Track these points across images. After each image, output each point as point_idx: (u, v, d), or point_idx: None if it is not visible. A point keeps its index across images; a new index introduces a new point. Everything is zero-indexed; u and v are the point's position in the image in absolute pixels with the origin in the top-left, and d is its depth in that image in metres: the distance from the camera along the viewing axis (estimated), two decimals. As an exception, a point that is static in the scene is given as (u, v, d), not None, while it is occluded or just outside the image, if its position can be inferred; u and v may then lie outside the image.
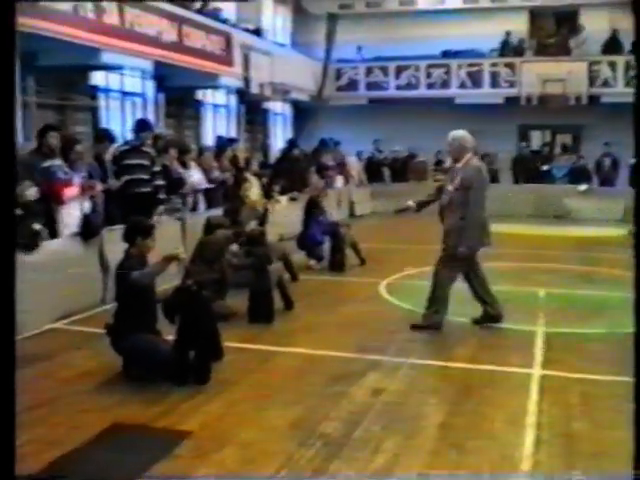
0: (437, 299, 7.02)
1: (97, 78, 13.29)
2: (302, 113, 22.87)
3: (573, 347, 6.48)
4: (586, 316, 7.62)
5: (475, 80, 21.28)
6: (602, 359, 6.16)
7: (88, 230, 7.82)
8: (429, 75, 21.60)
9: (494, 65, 21.34)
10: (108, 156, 8.90)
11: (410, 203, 7.50)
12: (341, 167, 17.89)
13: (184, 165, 10.38)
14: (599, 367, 5.90)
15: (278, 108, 21.98)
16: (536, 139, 21.97)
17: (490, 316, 7.13)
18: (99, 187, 8.36)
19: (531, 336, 6.80)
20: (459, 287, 8.78)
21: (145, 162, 9.05)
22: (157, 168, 9.28)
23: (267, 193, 12.39)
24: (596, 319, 7.49)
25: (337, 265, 10.10)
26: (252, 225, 9.17)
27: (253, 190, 10.74)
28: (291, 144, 16.38)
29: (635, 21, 4.09)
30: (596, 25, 21.09)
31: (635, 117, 3.69)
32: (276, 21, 22.28)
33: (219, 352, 5.66)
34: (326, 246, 10.50)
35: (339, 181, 17.35)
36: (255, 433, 4.50)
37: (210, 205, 10.93)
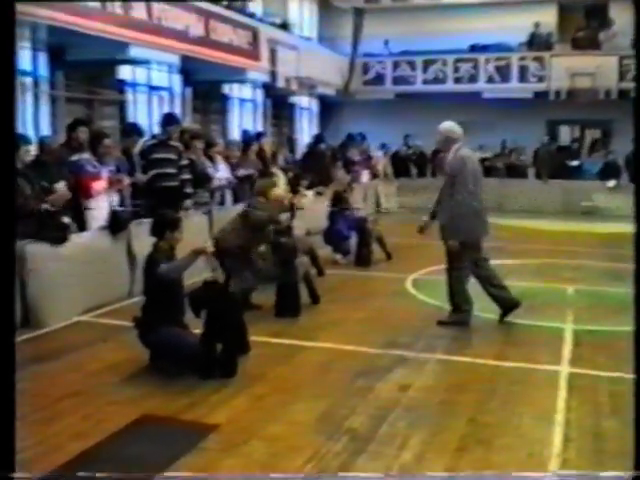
0: (456, 297, 7.03)
1: (125, 72, 13.36)
2: (328, 108, 22.84)
3: (602, 345, 6.42)
4: (615, 313, 7.52)
5: (503, 74, 21.09)
6: (630, 357, 6.07)
7: (116, 224, 7.88)
8: (457, 69, 21.44)
9: (522, 59, 21.12)
10: (136, 150, 8.95)
11: (424, 219, 7.42)
12: (367, 162, 17.84)
13: (211, 159, 10.40)
14: (627, 365, 5.82)
15: (304, 102, 21.97)
16: (565, 134, 21.73)
17: (505, 306, 7.07)
18: (127, 181, 8.41)
19: (559, 333, 6.75)
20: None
21: (172, 156, 9.08)
22: (184, 162, 9.32)
23: (293, 187, 12.37)
24: (625, 317, 7.34)
25: (363, 260, 10.09)
26: (281, 219, 9.18)
27: (280, 184, 10.74)
28: (318, 139, 16.34)
29: (635, 21, 4.03)
30: (626, 19, 20.78)
31: (635, 116, 3.63)
32: (303, 15, 22.27)
33: (246, 346, 5.68)
34: (352, 241, 10.49)
35: (365, 176, 17.30)
36: (281, 427, 4.51)
37: (237, 199, 10.95)
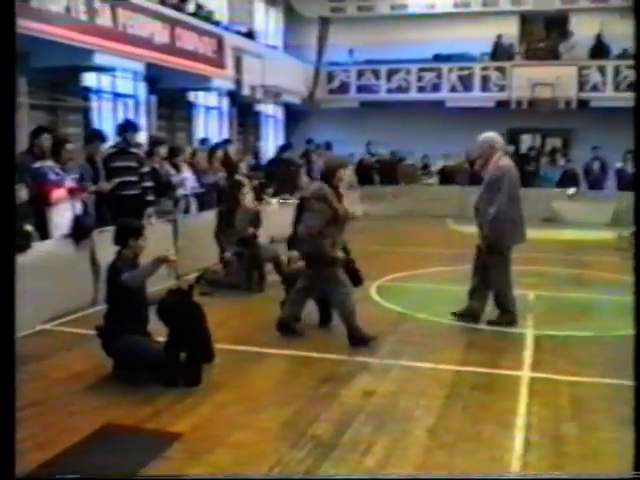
0: (501, 299, 7.25)
1: (89, 79, 13.27)
2: (294, 116, 22.91)
3: (562, 350, 6.53)
4: (575, 319, 7.67)
5: (466, 84, 21.37)
6: (591, 362, 6.22)
7: (79, 232, 7.82)
8: (420, 79, 21.67)
9: (485, 69, 21.43)
10: (99, 157, 8.90)
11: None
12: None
13: (176, 167, 10.38)
14: (588, 370, 5.95)
15: (270, 110, 22.01)
16: (526, 143, 22.06)
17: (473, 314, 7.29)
18: (90, 189, 8.36)
19: (521, 338, 6.86)
20: (451, 289, 8.89)
21: (132, 164, 9.05)
22: (145, 169, 9.28)
23: (259, 195, 12.40)
24: (585, 322, 7.54)
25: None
26: (248, 228, 9.21)
27: (248, 193, 10.75)
28: (284, 148, 16.39)
29: (635, 21, 4.12)
30: (585, 30, 21.23)
31: (635, 118, 3.69)
32: (268, 24, 22.32)
33: (210, 354, 5.68)
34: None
35: (330, 184, 17.32)
36: (246, 434, 4.52)
37: (202, 207, 10.94)
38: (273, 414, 4.85)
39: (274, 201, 13.06)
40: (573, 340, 6.83)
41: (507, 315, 7.24)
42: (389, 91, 21.84)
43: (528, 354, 6.36)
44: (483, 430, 4.65)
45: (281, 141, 17.59)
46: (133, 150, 9.21)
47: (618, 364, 6.15)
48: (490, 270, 7.21)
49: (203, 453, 4.22)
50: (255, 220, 9.43)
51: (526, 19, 22.76)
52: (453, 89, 21.43)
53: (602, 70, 20.69)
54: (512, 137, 21.31)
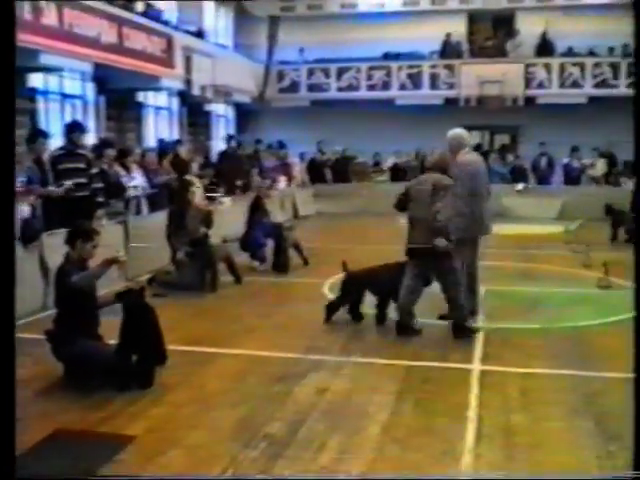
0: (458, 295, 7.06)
1: (36, 80, 13.05)
2: (245, 115, 22.87)
3: (512, 342, 6.64)
4: (524, 312, 7.81)
5: (415, 82, 21.61)
6: (539, 353, 6.35)
7: (27, 235, 7.70)
8: (370, 77, 21.84)
9: (434, 67, 21.70)
10: (47, 158, 8.76)
11: None
12: (284, 168, 17.93)
13: (125, 168, 10.28)
14: (537, 361, 6.08)
15: (220, 110, 21.93)
16: (476, 139, 22.34)
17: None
18: (38, 191, 8.23)
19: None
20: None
21: (81, 165, 8.93)
22: (95, 171, 9.18)
23: (210, 195, 12.36)
24: (534, 314, 7.68)
25: (280, 266, 10.14)
26: (199, 229, 9.18)
27: (197, 193, 10.71)
28: (230, 138, 16.36)
29: (635, 21, 4.20)
30: (531, 29, 21.62)
31: (635, 117, 3.77)
32: (218, 23, 22.22)
33: (163, 355, 5.64)
34: (269, 247, 10.52)
35: (282, 182, 17.38)
36: (200, 435, 4.51)
37: (153, 208, 10.86)
38: (227, 414, 4.85)
39: (226, 200, 13.02)
40: (522, 333, 6.95)
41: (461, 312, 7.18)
42: (339, 90, 21.98)
43: (478, 347, 6.46)
44: (435, 424, 4.72)
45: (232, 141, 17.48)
46: (81, 151, 9.09)
47: (566, 355, 6.32)
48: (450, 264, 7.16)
49: (157, 455, 4.21)
50: (207, 220, 9.40)
51: (474, 18, 23.09)
52: (403, 87, 21.65)
53: (548, 67, 21.13)
54: (462, 134, 21.59)
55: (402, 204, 7.00)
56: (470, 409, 4.96)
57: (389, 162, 20.37)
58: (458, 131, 7.57)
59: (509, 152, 19.96)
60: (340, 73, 22.01)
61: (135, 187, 10.41)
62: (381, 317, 7.22)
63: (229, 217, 11.91)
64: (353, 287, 7.26)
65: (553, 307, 8.03)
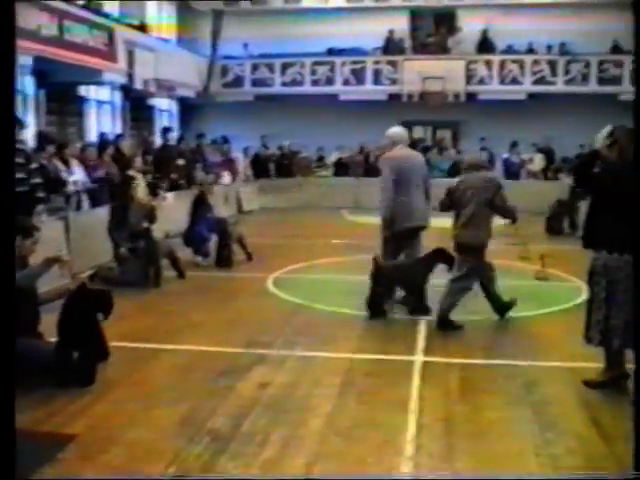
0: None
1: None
2: (189, 109, 22.67)
3: (453, 334, 6.76)
4: (465, 304, 7.89)
5: (359, 77, 21.72)
6: (479, 345, 6.49)
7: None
8: (314, 72, 21.87)
9: (377, 63, 21.84)
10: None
11: None
12: (228, 163, 17.86)
13: (65, 163, 10.10)
14: (476, 352, 6.20)
15: (164, 104, 21.70)
16: (419, 134, 22.60)
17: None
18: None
19: (413, 325, 7.05)
20: (347, 278, 9.07)
21: (20, 160, 8.72)
22: (34, 165, 8.99)
23: (153, 190, 12.23)
24: (474, 306, 7.78)
25: (224, 261, 10.11)
26: (142, 224, 9.09)
27: (140, 188, 10.58)
28: (166, 132, 16.21)
29: (635, 21, 4.27)
30: (472, 26, 21.93)
31: (635, 116, 3.84)
32: (161, 17, 21.94)
33: (104, 352, 5.58)
34: (213, 242, 10.48)
35: (226, 177, 17.31)
36: (142, 432, 4.48)
37: (95, 204, 10.70)
38: (169, 410, 4.83)
39: (169, 196, 12.90)
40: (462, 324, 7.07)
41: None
42: (284, 84, 21.97)
43: (420, 339, 6.55)
44: (377, 415, 4.78)
45: (176, 135, 17.32)
46: (20, 146, 8.89)
47: (505, 346, 6.47)
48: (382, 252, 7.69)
49: (98, 453, 4.16)
50: (149, 215, 9.31)
51: (416, 14, 23.29)
52: (346, 82, 21.75)
53: (488, 64, 21.47)
54: (405, 129, 21.78)
55: (447, 205, 7.28)
56: (412, 400, 5.02)
57: (333, 157, 20.48)
58: (393, 129, 8.02)
59: (444, 147, 20.29)
60: (284, 68, 21.99)
61: (75, 182, 10.24)
62: (411, 309, 7.44)
63: (172, 212, 11.81)
64: (383, 281, 7.29)
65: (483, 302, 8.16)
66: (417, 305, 7.41)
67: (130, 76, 16.65)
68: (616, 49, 21.27)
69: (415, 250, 7.77)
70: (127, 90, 17.69)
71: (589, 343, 5.26)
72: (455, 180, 7.73)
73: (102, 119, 17.95)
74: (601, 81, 21.05)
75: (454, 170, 19.09)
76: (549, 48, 21.52)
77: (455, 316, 7.10)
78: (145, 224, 9.13)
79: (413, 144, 19.21)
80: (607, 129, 5.20)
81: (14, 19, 3.43)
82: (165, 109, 22.02)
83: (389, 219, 7.52)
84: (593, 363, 5.40)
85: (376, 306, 7.24)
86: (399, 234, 7.62)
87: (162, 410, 4.85)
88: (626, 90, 20.72)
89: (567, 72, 21.23)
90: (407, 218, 7.57)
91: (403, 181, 7.55)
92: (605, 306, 5.08)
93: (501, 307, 7.20)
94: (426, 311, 7.31)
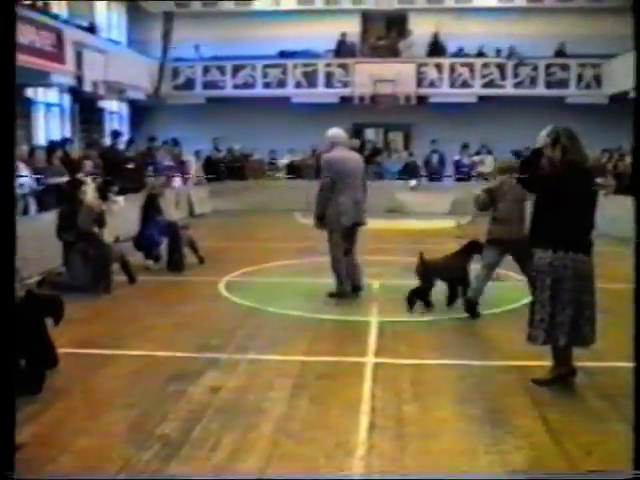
0: (334, 265, 8.13)
1: None
2: (140, 112, 22.46)
3: (404, 335, 6.81)
4: (417, 305, 8.00)
5: (311, 80, 21.79)
6: (430, 345, 6.54)
7: None
8: (266, 75, 21.87)
9: (328, 65, 21.94)
10: None
11: None
12: (180, 166, 17.74)
13: (11, 166, 9.90)
14: (428, 352, 6.26)
15: (114, 107, 21.45)
16: (370, 137, 22.76)
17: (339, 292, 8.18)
18: None
19: (365, 326, 7.09)
20: (299, 281, 9.09)
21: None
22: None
23: (103, 194, 12.07)
24: (426, 307, 7.88)
25: (175, 265, 10.03)
26: (92, 228, 8.96)
27: (89, 192, 10.43)
28: (115, 136, 16.02)
29: (635, 21, 4.29)
30: (423, 29, 22.16)
31: (635, 116, 3.85)
32: (111, 18, 21.70)
33: (52, 359, 5.49)
34: (164, 246, 10.39)
35: (178, 180, 17.18)
36: (92, 440, 4.41)
37: (42, 208, 10.52)
38: (119, 417, 4.77)
39: (119, 199, 12.75)
40: (414, 325, 7.15)
41: (341, 286, 8.13)
42: (235, 87, 21.92)
43: (372, 341, 6.58)
44: (329, 417, 4.78)
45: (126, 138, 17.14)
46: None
47: (455, 345, 6.53)
48: (329, 247, 8.18)
49: (45, 463, 4.08)
50: (99, 220, 9.18)
51: (367, 17, 23.46)
52: (298, 85, 21.80)
53: (439, 67, 21.72)
54: (357, 132, 21.94)
55: (488, 203, 7.55)
56: (363, 402, 5.04)
57: (285, 160, 20.48)
58: (333, 131, 8.31)
59: (396, 149, 20.52)
60: (236, 71, 21.95)
61: (22, 186, 10.05)
62: (451, 301, 7.83)
63: (122, 216, 11.68)
64: (427, 274, 7.68)
65: (444, 299, 8.26)
66: (464, 293, 7.71)
67: (79, 78, 16.42)
68: (560, 53, 21.71)
69: (352, 246, 8.32)
70: (76, 92, 17.43)
71: (533, 342, 5.33)
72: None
73: (50, 122, 17.65)
74: (549, 84, 21.46)
75: (406, 172, 19.30)
76: (498, 52, 21.86)
77: (405, 317, 7.18)
78: (94, 228, 9.00)
79: (361, 146, 19.45)
80: (548, 128, 5.30)
81: (14, 19, 3.37)
82: (115, 111, 21.76)
83: (321, 217, 8.09)
84: (542, 361, 5.48)
85: (424, 299, 7.70)
86: (338, 231, 8.06)
87: (112, 417, 4.78)
88: (572, 93, 21.20)
89: (516, 75, 21.60)
90: (346, 217, 8.01)
91: (342, 181, 7.94)
92: (550, 304, 5.17)
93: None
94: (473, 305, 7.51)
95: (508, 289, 8.73)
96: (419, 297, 7.68)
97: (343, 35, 22.36)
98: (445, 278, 7.86)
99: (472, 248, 7.72)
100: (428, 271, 7.69)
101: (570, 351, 5.32)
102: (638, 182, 4.76)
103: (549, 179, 5.26)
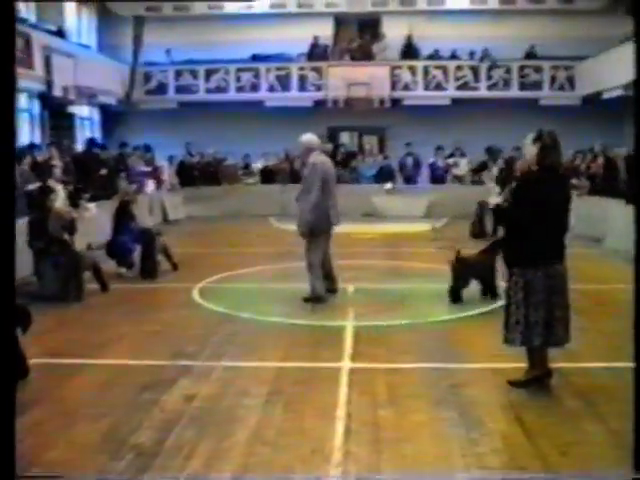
0: (311, 270, 8.14)
1: None
2: (111, 117, 22.23)
3: (380, 339, 6.78)
4: (392, 308, 8.01)
5: (284, 84, 21.72)
6: (406, 349, 6.52)
7: None
8: (239, 79, 21.76)
9: (302, 69, 21.88)
10: None
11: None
12: (153, 172, 17.61)
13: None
14: (404, 356, 6.24)
15: (85, 112, 21.22)
16: (345, 140, 22.79)
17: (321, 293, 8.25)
18: None
19: (341, 331, 7.04)
20: (274, 287, 9.05)
21: None
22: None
23: (74, 201, 11.95)
24: (402, 311, 7.89)
25: (149, 272, 9.92)
26: (62, 235, 8.84)
27: (59, 199, 10.30)
28: (90, 144, 15.87)
29: (635, 21, 4.29)
30: (396, 32, 22.20)
31: (636, 116, 3.85)
32: (80, 22, 21.47)
33: (23, 370, 5.39)
34: (137, 253, 10.28)
35: (151, 186, 17.05)
36: (63, 451, 4.33)
37: (11, 215, 10.34)
38: (92, 427, 4.69)
39: (92, 206, 12.61)
40: (390, 329, 7.12)
41: (317, 290, 8.17)
42: (208, 91, 21.78)
43: (348, 346, 6.55)
44: (305, 423, 4.74)
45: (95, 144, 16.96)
46: None
47: (431, 349, 6.52)
48: (306, 251, 8.17)
49: (14, 476, 3.99)
50: (69, 227, 9.06)
51: (340, 21, 23.44)
52: (272, 89, 21.72)
53: (413, 70, 21.75)
54: (331, 135, 21.94)
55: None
56: (339, 407, 5.01)
57: (259, 164, 20.41)
58: (308, 136, 8.40)
59: (370, 153, 20.59)
60: (208, 75, 21.81)
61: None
62: (485, 294, 8.25)
63: (95, 223, 11.55)
64: (461, 271, 8.11)
65: (420, 303, 8.29)
66: (491, 291, 8.19)
67: (48, 83, 16.23)
68: (531, 55, 21.89)
69: (328, 249, 8.47)
70: (46, 98, 17.22)
71: (510, 344, 5.35)
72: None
73: (20, 128, 17.40)
74: (522, 86, 21.60)
75: (381, 175, 19.31)
76: (472, 54, 21.96)
77: (380, 321, 7.17)
78: (65, 236, 8.88)
79: (334, 150, 19.49)
80: (532, 135, 5.28)
81: (14, 19, 3.31)
82: (86, 117, 21.53)
83: (314, 221, 8.03)
84: (518, 363, 5.48)
85: (456, 294, 8.08)
86: (320, 235, 8.16)
87: (84, 427, 4.71)
88: (546, 95, 21.38)
89: (489, 77, 21.71)
90: (329, 219, 8.18)
91: (326, 185, 8.08)
92: (524, 305, 5.19)
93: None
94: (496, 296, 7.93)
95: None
96: (451, 293, 8.07)
97: (316, 38, 22.33)
98: (477, 276, 8.23)
99: (496, 247, 7.94)
100: (464, 269, 8.10)
101: (545, 352, 5.34)
102: (639, 187, 4.76)
103: (528, 192, 5.25)
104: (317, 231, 8.14)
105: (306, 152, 8.31)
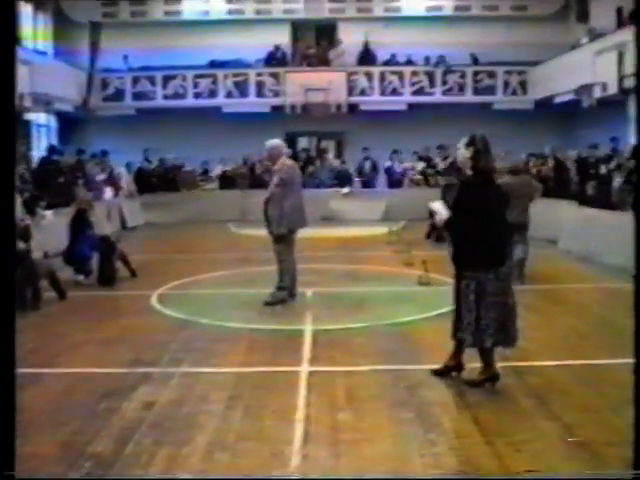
0: (281, 273, 8.33)
1: None
2: (69, 124, 22.00)
3: (339, 342, 6.82)
4: (350, 312, 8.06)
5: (242, 90, 21.75)
6: (365, 351, 6.57)
7: None
8: (196, 85, 21.75)
9: (259, 75, 21.94)
10: None
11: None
12: (110, 178, 17.47)
13: None
14: (362, 359, 6.29)
15: (42, 119, 20.97)
16: (303, 145, 22.85)
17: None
18: None
19: (299, 335, 7.08)
20: (233, 292, 9.05)
21: None
22: None
23: (30, 208, 11.81)
24: (360, 314, 7.95)
25: (107, 279, 9.85)
26: (17, 244, 8.72)
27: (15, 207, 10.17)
28: (50, 151, 15.69)
29: (635, 21, 4.37)
30: (353, 38, 22.37)
31: (636, 115, 3.94)
32: (36, 28, 21.18)
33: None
34: (94, 260, 10.20)
35: (108, 193, 16.91)
36: (20, 462, 4.26)
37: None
38: (48, 437, 4.64)
39: (48, 214, 12.47)
40: (348, 332, 7.16)
41: (282, 292, 8.35)
42: (165, 98, 21.73)
43: (307, 349, 6.58)
44: (264, 428, 4.76)
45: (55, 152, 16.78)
46: None
47: (389, 351, 6.59)
48: (278, 255, 8.38)
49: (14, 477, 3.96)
50: (24, 235, 8.95)
51: (297, 27, 23.55)
52: (229, 95, 21.74)
53: (369, 76, 21.96)
54: (290, 140, 21.99)
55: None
56: (298, 411, 5.04)
57: (217, 170, 20.38)
58: (276, 141, 8.66)
59: (333, 157, 20.67)
60: (166, 81, 21.75)
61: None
62: None
63: (52, 230, 11.42)
64: None
65: (377, 306, 8.36)
66: None
67: (2, 90, 16.00)
68: (475, 62, 22.29)
69: (294, 248, 8.65)
70: None
71: (459, 341, 5.47)
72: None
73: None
74: (476, 91, 21.93)
75: (338, 180, 19.43)
76: (427, 60, 22.21)
77: (339, 324, 7.23)
78: (20, 244, 8.77)
79: (294, 155, 19.54)
80: (465, 139, 5.43)
81: (14, 19, 3.32)
82: (43, 124, 21.27)
83: (293, 220, 8.36)
84: (472, 363, 5.58)
85: None
86: (289, 235, 8.39)
87: (40, 438, 4.65)
88: (499, 99, 21.75)
89: (444, 82, 22.00)
90: (299, 220, 8.43)
91: (294, 188, 8.36)
92: (475, 308, 5.30)
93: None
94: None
95: (440, 293, 8.85)
96: None
97: (276, 47, 22.41)
98: None
99: None
100: None
101: (492, 353, 5.45)
102: (638, 192, 4.87)
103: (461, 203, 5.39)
104: (294, 230, 8.44)
105: (275, 156, 8.48)
